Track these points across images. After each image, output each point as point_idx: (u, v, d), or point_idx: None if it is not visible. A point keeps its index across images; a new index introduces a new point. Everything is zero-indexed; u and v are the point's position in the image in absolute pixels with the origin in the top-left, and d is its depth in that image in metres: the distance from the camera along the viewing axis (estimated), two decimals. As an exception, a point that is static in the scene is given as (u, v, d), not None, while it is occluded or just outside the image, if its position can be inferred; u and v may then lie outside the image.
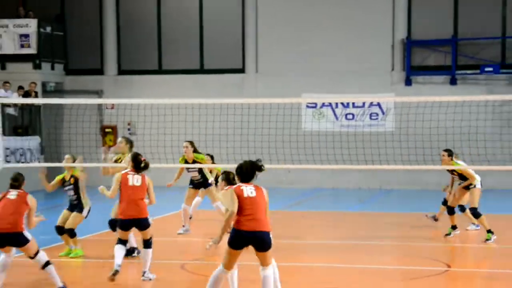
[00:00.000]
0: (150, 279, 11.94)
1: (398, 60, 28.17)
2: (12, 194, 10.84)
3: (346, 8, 28.18)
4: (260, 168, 9.68)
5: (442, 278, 12.49)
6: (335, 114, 27.98)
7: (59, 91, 29.68)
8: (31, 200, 10.83)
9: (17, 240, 10.65)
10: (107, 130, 28.86)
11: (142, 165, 12.15)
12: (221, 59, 29.24)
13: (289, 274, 11.82)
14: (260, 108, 21.88)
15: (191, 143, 16.52)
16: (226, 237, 9.54)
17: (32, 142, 27.01)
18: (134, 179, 12.01)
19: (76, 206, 13.96)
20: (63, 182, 14.19)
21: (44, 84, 28.98)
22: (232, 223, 9.49)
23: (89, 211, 14.00)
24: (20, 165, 25.20)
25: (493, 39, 27.67)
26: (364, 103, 27.55)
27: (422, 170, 21.02)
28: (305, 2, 28.41)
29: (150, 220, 12.14)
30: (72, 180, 13.99)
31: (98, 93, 29.42)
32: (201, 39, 29.45)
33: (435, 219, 17.75)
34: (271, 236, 9.51)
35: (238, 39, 29.20)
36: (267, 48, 28.75)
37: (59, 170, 15.13)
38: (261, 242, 9.40)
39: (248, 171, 9.64)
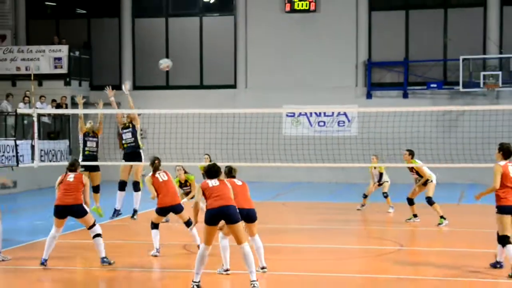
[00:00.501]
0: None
1: (361, 78, 28.11)
2: (70, 177, 10.94)
3: (319, 36, 28.18)
4: (218, 172, 9.75)
5: (396, 255, 12.35)
6: (309, 122, 27.86)
7: (85, 103, 29.12)
8: (85, 179, 11.01)
9: (78, 210, 10.76)
10: (123, 135, 28.59)
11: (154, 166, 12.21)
12: (217, 77, 29.15)
13: (273, 253, 11.66)
14: (248, 117, 21.72)
15: (183, 167, 16.33)
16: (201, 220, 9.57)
17: (62, 145, 26.76)
18: (162, 176, 12.06)
19: (93, 159, 14.63)
20: (86, 133, 15.00)
21: (73, 98, 28.69)
22: (199, 209, 9.82)
23: None
24: (52, 163, 24.97)
25: (437, 61, 27.64)
26: (333, 113, 27.51)
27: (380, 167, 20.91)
28: (286, 31, 28.37)
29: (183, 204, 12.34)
30: (95, 135, 14.98)
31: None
32: (201, 61, 29.36)
33: (362, 205, 18.18)
34: (237, 210, 9.41)
35: (231, 61, 29.12)
36: (254, 68, 28.70)
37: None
38: (229, 214, 9.33)
39: (211, 171, 9.70)
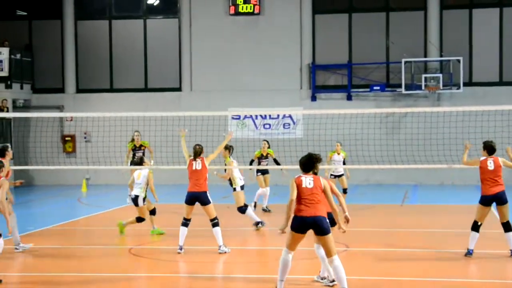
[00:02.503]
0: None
1: (305, 80, 28.23)
2: None
3: (264, 39, 28.22)
4: (317, 160, 9.13)
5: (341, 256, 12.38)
6: (255, 124, 27.88)
7: (27, 107, 28.92)
8: (2, 182, 10.27)
9: None
10: (67, 138, 28.07)
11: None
12: (162, 79, 28.93)
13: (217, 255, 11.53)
14: (194, 119, 21.58)
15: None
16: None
17: (3, 149, 26.18)
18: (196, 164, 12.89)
19: None
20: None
21: (14, 101, 28.21)
22: (292, 209, 8.92)
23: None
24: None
25: (380, 64, 27.95)
26: (278, 115, 27.55)
27: (324, 168, 21.01)
28: (231, 34, 28.36)
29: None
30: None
31: (60, 108, 28.74)
32: (146, 63, 29.09)
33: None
34: (327, 221, 8.93)
35: (176, 64, 28.93)
36: (199, 71, 28.57)
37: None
38: (319, 225, 8.83)
39: (306, 163, 9.10)
